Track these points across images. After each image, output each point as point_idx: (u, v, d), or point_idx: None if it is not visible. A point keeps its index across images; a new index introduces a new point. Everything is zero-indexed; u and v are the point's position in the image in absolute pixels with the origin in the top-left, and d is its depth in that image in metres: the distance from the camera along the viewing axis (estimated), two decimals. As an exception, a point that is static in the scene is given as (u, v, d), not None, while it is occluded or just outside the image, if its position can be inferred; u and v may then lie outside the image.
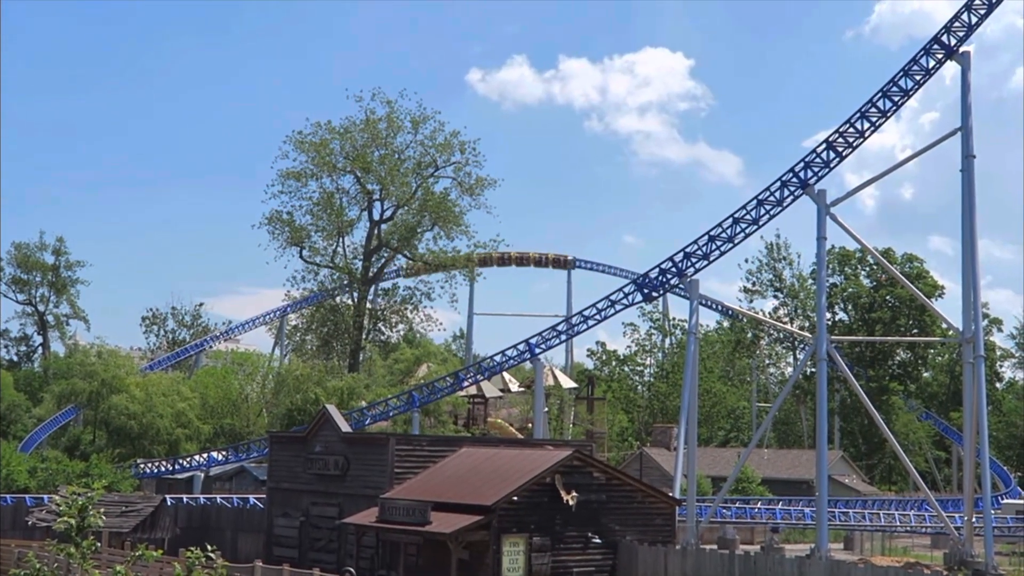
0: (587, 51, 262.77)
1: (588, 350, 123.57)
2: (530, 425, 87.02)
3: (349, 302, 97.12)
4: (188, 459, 78.35)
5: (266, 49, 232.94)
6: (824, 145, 58.82)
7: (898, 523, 72.84)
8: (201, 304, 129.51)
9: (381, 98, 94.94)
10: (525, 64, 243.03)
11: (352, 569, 38.67)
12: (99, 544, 26.33)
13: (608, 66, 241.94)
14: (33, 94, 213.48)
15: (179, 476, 75.58)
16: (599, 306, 69.62)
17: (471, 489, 42.98)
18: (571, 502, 41.98)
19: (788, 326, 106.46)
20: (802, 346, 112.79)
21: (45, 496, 62.79)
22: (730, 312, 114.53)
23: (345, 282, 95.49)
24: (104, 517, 26.83)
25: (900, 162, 70.06)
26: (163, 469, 76.43)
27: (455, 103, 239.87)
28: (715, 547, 53.02)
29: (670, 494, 50.90)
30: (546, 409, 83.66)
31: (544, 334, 73.10)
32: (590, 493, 43.07)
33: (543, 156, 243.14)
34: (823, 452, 57.52)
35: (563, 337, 74.57)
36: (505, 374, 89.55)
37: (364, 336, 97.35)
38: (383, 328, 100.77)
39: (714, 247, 61.20)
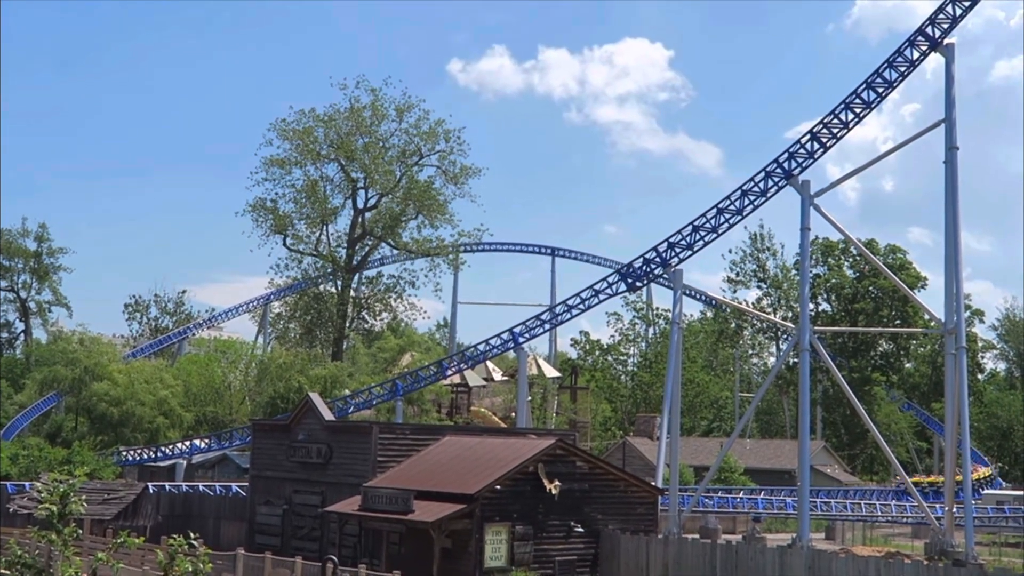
0: (566, 42, 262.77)
1: (572, 339, 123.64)
2: (513, 414, 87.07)
3: (333, 290, 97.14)
4: (170, 447, 78.18)
5: (250, 37, 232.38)
6: (808, 136, 58.94)
7: (879, 513, 73.13)
8: (184, 291, 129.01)
9: (365, 86, 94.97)
10: (505, 55, 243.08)
11: (335, 557, 38.63)
12: (81, 531, 26.27)
13: (587, 56, 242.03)
14: (17, 79, 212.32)
15: (161, 464, 75.40)
16: (583, 295, 69.67)
17: (454, 478, 42.96)
18: (554, 491, 42.01)
19: (771, 316, 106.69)
20: (785, 336, 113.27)
21: (26, 483, 62.58)
22: (713, 302, 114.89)
23: (329, 270, 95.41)
24: (86, 504, 26.78)
25: (884, 153, 70.36)
26: (145, 457, 76.23)
27: (436, 93, 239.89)
28: (697, 536, 53.13)
29: (653, 483, 50.98)
30: (529, 398, 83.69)
31: (528, 323, 73.10)
32: (573, 482, 43.10)
33: (523, 147, 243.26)
34: (805, 442, 57.70)
35: (547, 326, 74.62)
36: (489, 363, 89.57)
37: (348, 324, 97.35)
38: (367, 316, 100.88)
39: (698, 237, 61.29)
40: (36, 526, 30.37)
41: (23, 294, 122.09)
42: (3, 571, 28.47)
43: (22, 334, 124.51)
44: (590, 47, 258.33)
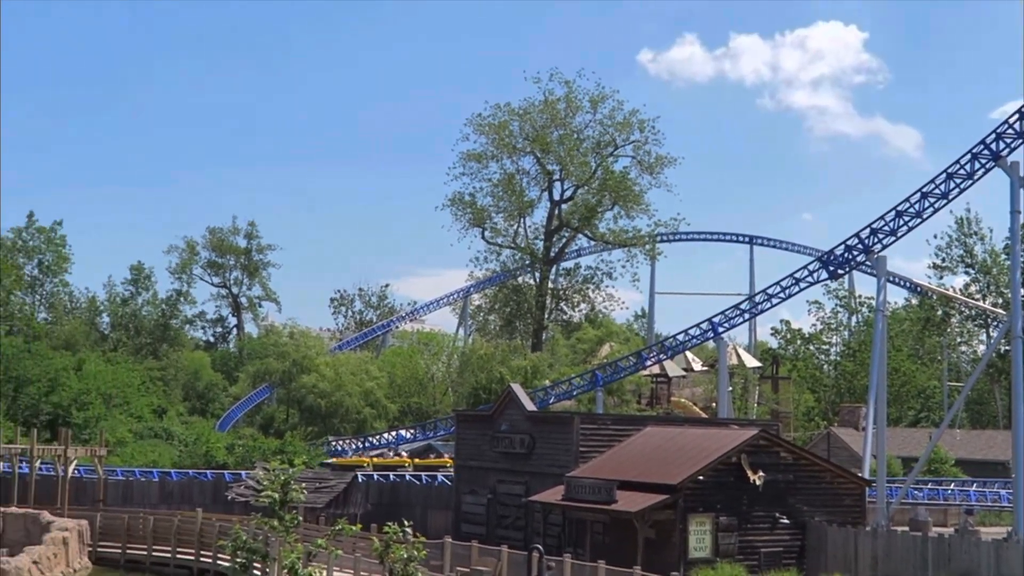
0: (758, 27, 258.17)
1: (772, 329, 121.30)
2: (714, 404, 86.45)
3: (531, 282, 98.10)
4: (377, 437, 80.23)
5: (448, 33, 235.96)
6: (1017, 115, 56.63)
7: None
8: (387, 285, 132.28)
9: (559, 79, 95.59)
10: (695, 43, 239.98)
11: (540, 547, 39.09)
12: (301, 518, 27.35)
13: (779, 42, 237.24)
14: (220, 81, 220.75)
15: (369, 453, 77.39)
16: (783, 284, 68.67)
17: (656, 468, 43.04)
18: (758, 482, 41.71)
19: (980, 303, 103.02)
20: (995, 323, 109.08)
21: (243, 472, 65.20)
22: (919, 289, 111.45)
23: (527, 262, 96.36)
24: (306, 492, 27.86)
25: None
26: (354, 447, 78.38)
27: (627, 84, 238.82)
28: (907, 529, 51.86)
29: (859, 475, 50.01)
30: (730, 388, 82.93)
31: (727, 312, 72.45)
32: (777, 473, 42.69)
33: (716, 134, 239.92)
34: (1020, 433, 55.60)
35: (746, 316, 73.82)
36: (688, 353, 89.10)
37: (546, 316, 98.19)
38: (565, 307, 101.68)
39: (902, 223, 59.74)
40: (257, 512, 31.66)
41: (235, 290, 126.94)
42: (229, 555, 29.81)
43: (235, 328, 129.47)
44: (782, 32, 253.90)
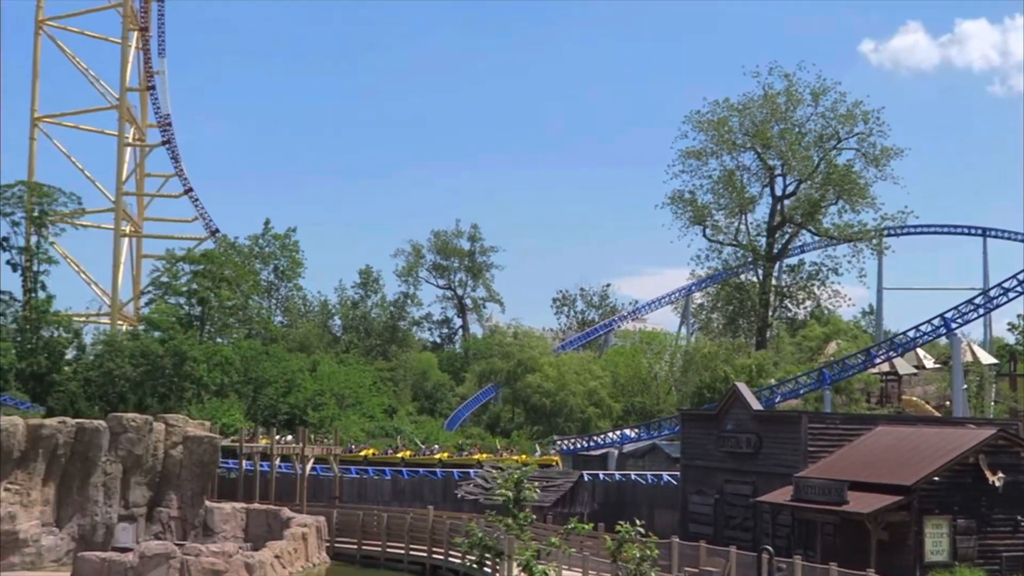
0: (985, 12, 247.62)
1: (1009, 324, 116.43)
2: (947, 403, 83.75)
3: (754, 279, 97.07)
4: (602, 436, 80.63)
5: (658, 31, 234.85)
6: None
7: None
8: (608, 285, 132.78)
9: (778, 72, 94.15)
10: (920, 30, 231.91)
11: (770, 548, 38.79)
12: (534, 516, 27.87)
13: (1009, 26, 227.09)
14: (417, 83, 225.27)
15: (594, 453, 77.84)
16: (1020, 278, 66.15)
17: (888, 469, 42.10)
18: (997, 483, 40.38)
19: None
20: None
21: (471, 470, 66.55)
22: None
23: (749, 259, 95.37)
24: (538, 491, 28.37)
25: None
26: (578, 446, 78.98)
27: (849, 75, 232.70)
28: None
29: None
30: (965, 386, 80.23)
31: (960, 308, 70.29)
32: (1018, 474, 41.20)
33: (943, 123, 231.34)
34: None
35: (981, 311, 71.57)
36: (919, 350, 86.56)
37: (771, 313, 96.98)
38: (790, 305, 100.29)
39: None
40: (493, 511, 32.34)
41: (459, 291, 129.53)
42: (463, 552, 30.55)
43: (460, 329, 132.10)
44: (1011, 15, 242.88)
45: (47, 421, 52.12)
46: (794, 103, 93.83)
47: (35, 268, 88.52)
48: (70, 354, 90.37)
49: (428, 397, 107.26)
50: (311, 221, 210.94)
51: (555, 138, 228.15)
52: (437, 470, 70.33)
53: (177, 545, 46.71)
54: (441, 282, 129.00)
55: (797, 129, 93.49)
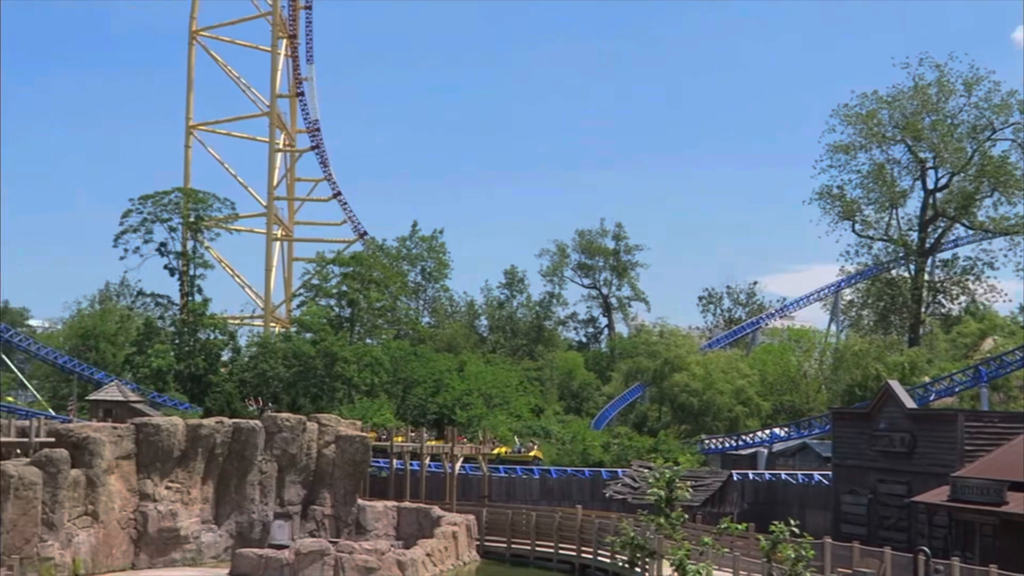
0: None
1: None
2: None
3: (906, 275, 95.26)
4: (750, 435, 79.82)
5: (804, 27, 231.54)
6: None
7: None
8: (755, 282, 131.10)
9: (929, 63, 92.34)
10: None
11: (926, 549, 38.04)
12: (686, 516, 27.88)
13: None
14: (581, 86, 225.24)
15: (742, 452, 77.13)
16: None
17: (1051, 469, 40.94)
18: None
19: None
20: None
21: (619, 470, 66.57)
22: None
23: (900, 254, 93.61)
24: (690, 491, 28.35)
25: None
26: (727, 445, 78.32)
27: (1002, 64, 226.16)
28: None
29: None
30: None
31: (1125, 302, 67.61)
32: None
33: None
34: None
35: None
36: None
37: (923, 309, 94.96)
38: (943, 300, 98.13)
39: None
40: (644, 510, 32.43)
41: (604, 291, 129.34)
42: (613, 552, 30.62)
43: (606, 328, 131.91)
44: None
45: (205, 421, 53.72)
46: (946, 94, 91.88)
47: (192, 272, 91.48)
48: (225, 356, 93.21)
49: (574, 396, 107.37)
50: (457, 222, 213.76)
51: (700, 136, 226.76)
52: (585, 469, 70.51)
53: (331, 542, 47.77)
54: (586, 281, 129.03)
55: (949, 120, 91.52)
